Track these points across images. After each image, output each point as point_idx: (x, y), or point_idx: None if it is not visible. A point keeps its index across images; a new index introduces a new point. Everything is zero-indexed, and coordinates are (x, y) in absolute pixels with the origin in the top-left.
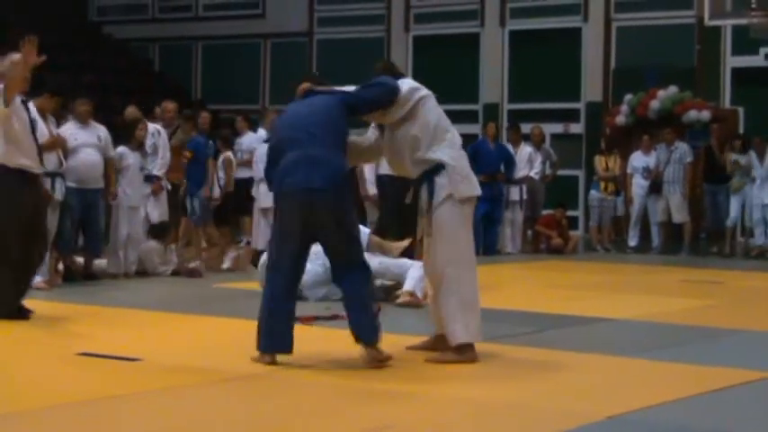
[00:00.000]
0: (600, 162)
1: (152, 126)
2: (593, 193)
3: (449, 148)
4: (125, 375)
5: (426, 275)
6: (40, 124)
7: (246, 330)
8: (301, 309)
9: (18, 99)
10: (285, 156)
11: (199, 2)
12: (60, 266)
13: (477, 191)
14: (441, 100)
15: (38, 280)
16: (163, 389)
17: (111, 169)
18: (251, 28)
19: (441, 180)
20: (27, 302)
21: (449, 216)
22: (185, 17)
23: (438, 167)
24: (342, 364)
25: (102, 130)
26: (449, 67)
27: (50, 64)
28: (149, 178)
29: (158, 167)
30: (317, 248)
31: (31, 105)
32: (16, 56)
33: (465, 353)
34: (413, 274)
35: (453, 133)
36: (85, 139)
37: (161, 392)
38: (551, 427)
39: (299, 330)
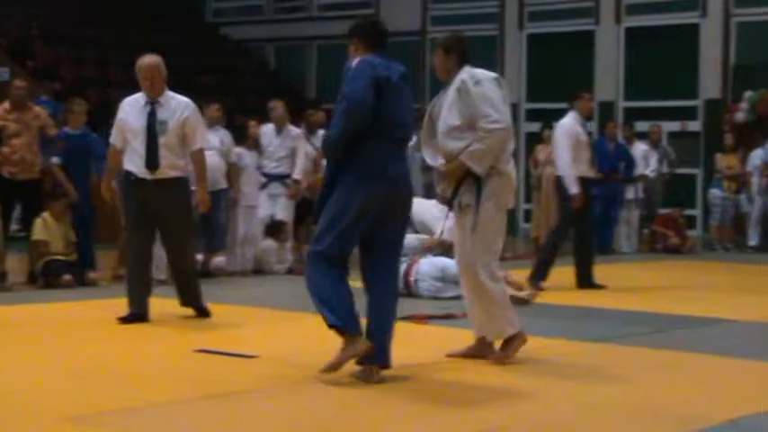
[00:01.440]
0: (723, 160)
1: (268, 126)
2: (714, 191)
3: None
4: (242, 372)
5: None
6: None
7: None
8: (415, 308)
9: None
10: None
11: (313, 2)
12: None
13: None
14: (555, 97)
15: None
16: (279, 385)
17: (235, 174)
18: None
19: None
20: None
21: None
22: (300, 17)
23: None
24: (454, 363)
25: (225, 134)
26: (563, 65)
27: (168, 65)
28: (277, 178)
29: (297, 172)
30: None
31: None
32: None
33: (515, 342)
34: None
35: None
36: (208, 143)
37: (277, 389)
38: (671, 429)
39: (413, 329)
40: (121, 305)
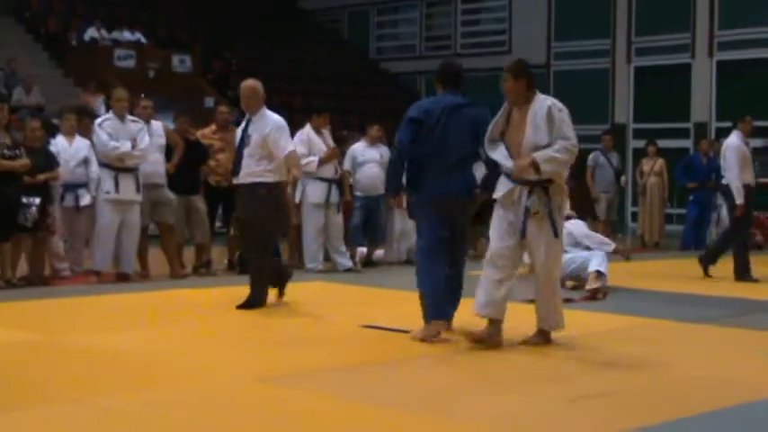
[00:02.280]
0: None
1: None
2: None
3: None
4: (397, 344)
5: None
6: (317, 139)
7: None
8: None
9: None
10: None
11: (457, 42)
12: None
13: None
14: (657, 119)
15: (313, 266)
16: (425, 356)
17: None
18: (499, 62)
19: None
20: (324, 285)
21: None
22: (446, 54)
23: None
24: (575, 342)
25: (384, 150)
26: (664, 92)
27: (337, 93)
28: None
29: None
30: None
31: None
32: None
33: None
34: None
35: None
36: (370, 156)
37: (423, 359)
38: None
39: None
40: (301, 288)
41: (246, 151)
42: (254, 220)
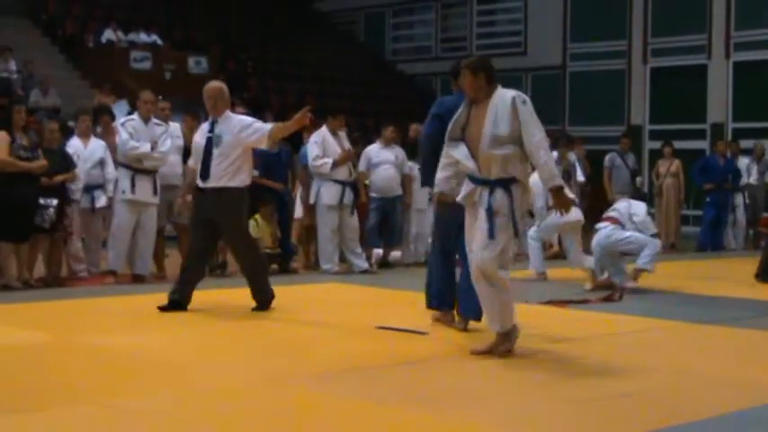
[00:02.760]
0: None
1: None
2: None
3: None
4: (414, 346)
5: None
6: (332, 140)
7: (522, 313)
8: (556, 293)
9: None
10: None
11: (473, 43)
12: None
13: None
14: (673, 120)
15: (328, 267)
16: (441, 357)
17: (408, 183)
18: (514, 63)
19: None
20: (339, 286)
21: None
22: (461, 55)
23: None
24: (589, 340)
25: (399, 151)
26: (680, 93)
27: (352, 94)
28: None
29: None
30: None
31: None
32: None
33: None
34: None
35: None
36: (385, 158)
37: (442, 361)
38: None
39: (553, 312)
40: (316, 289)
41: (216, 152)
42: (230, 222)
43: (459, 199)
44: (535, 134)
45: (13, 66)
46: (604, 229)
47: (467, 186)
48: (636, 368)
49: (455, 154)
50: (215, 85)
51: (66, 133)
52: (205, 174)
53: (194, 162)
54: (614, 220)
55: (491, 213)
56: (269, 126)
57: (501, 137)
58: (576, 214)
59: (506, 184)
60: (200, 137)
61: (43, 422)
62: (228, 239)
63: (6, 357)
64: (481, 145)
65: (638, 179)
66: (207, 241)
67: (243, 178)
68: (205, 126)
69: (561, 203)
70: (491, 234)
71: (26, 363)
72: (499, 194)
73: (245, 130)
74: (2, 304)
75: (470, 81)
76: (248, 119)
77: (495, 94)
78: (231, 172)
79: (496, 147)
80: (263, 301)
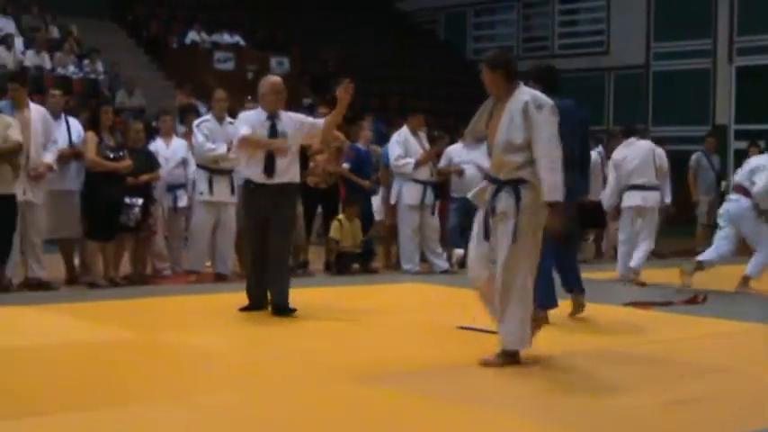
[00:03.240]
0: None
1: None
2: None
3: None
4: (494, 346)
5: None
6: (413, 140)
7: (605, 314)
8: (641, 295)
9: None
10: None
11: (555, 42)
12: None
13: None
14: (759, 119)
15: (409, 267)
16: (524, 357)
17: None
18: (597, 62)
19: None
20: (419, 286)
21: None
22: (544, 55)
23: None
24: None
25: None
26: (767, 92)
27: (440, 96)
28: None
29: None
30: None
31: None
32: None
33: (509, 357)
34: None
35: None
36: (467, 158)
37: (521, 360)
38: None
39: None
40: (397, 289)
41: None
42: (286, 218)
43: (469, 196)
44: (541, 144)
45: (100, 67)
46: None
47: (481, 184)
48: (716, 372)
49: (475, 153)
50: (279, 79)
51: (151, 133)
52: (270, 169)
53: (248, 154)
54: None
55: (495, 215)
56: (321, 121)
57: (514, 144)
58: None
59: (516, 184)
60: (259, 129)
61: (123, 418)
62: (278, 234)
63: (90, 353)
64: (494, 149)
65: (724, 183)
66: (265, 243)
67: (297, 173)
68: (256, 118)
69: (552, 221)
70: (513, 238)
71: (109, 359)
72: (507, 194)
73: (303, 126)
74: (88, 301)
75: (489, 78)
76: (299, 115)
77: (514, 94)
78: (293, 167)
79: (509, 153)
80: (282, 304)
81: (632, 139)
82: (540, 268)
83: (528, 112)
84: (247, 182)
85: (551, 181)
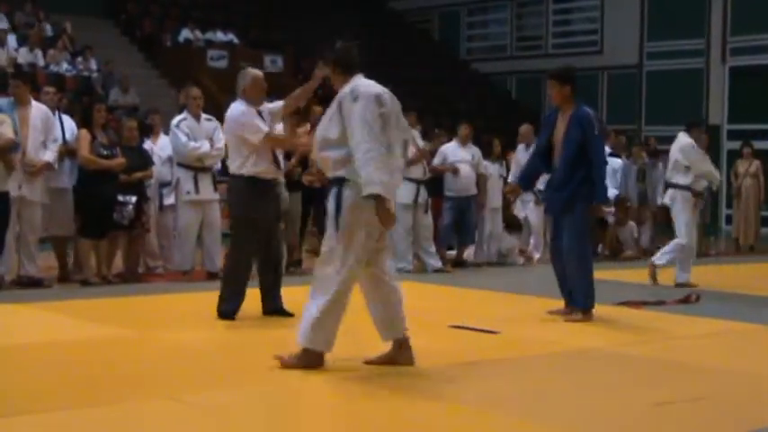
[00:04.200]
0: None
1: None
2: None
3: None
4: (486, 345)
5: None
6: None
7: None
8: (631, 295)
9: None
10: None
11: (548, 42)
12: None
13: None
14: (752, 119)
15: (402, 266)
16: (517, 357)
17: (484, 183)
18: (590, 62)
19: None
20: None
21: None
22: (537, 54)
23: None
24: (666, 345)
25: (475, 150)
26: (760, 93)
27: (430, 94)
28: None
29: None
30: None
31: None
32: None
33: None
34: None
35: None
36: (462, 157)
37: (514, 360)
38: None
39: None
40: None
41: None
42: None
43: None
44: (353, 137)
45: (93, 65)
46: None
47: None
48: (709, 372)
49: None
50: (261, 73)
51: (145, 131)
52: (278, 162)
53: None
54: None
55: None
56: (280, 103)
57: (330, 140)
58: None
59: (338, 182)
60: (260, 124)
61: (118, 416)
62: (288, 229)
63: (84, 351)
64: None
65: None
66: (270, 245)
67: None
68: (252, 111)
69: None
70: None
71: (102, 357)
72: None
73: (273, 115)
74: (81, 299)
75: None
76: (265, 105)
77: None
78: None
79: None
80: (278, 305)
81: None
82: (585, 269)
83: (342, 104)
84: (253, 180)
85: (365, 175)
